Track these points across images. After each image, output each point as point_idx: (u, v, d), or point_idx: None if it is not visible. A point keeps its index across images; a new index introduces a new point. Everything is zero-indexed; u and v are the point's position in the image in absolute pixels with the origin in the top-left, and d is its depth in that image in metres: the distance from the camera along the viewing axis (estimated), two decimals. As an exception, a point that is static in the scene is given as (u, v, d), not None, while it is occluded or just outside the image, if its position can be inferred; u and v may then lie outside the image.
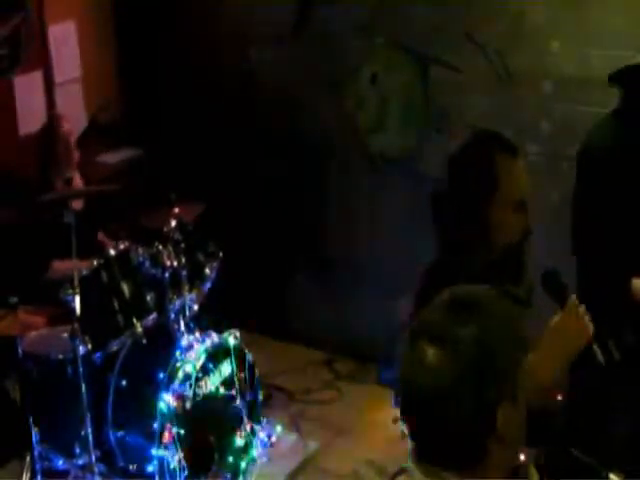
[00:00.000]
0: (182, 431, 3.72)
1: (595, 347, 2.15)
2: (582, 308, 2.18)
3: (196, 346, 3.90)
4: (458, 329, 1.46)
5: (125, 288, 3.85)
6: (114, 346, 3.83)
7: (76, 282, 3.59)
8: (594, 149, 3.12)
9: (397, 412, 2.64)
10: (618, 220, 2.96)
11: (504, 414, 1.46)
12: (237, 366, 4.04)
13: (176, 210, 4.10)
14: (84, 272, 3.72)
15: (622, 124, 3.09)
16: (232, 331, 4.08)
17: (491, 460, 1.48)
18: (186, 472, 3.74)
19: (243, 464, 4.01)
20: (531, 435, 1.66)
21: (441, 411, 1.46)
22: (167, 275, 3.94)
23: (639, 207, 2.98)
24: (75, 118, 4.75)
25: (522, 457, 1.61)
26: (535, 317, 2.14)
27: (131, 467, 3.86)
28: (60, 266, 4.00)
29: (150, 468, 3.74)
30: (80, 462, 3.78)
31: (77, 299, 3.57)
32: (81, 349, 3.64)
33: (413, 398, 1.51)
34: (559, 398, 2.17)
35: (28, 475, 3.66)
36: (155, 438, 3.70)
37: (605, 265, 2.97)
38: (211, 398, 3.90)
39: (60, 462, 3.85)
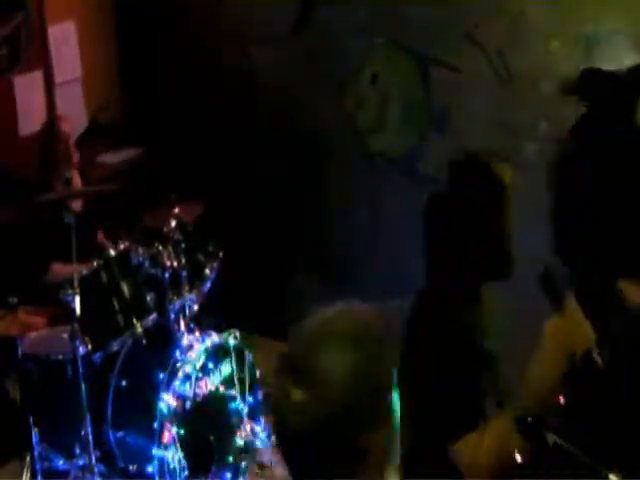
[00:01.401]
0: (182, 431, 3.72)
1: (595, 352, 2.12)
2: (580, 312, 2.15)
3: (196, 346, 3.91)
4: (323, 365, 1.44)
5: (125, 288, 3.85)
6: (114, 346, 3.83)
7: (76, 282, 3.59)
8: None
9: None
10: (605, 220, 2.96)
11: (371, 440, 1.42)
12: (237, 366, 4.04)
13: (176, 210, 4.10)
14: (84, 272, 3.72)
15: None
16: (232, 331, 4.08)
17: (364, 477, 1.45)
18: (186, 472, 3.74)
19: (243, 464, 4.01)
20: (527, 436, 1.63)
21: (312, 444, 1.45)
22: (167, 275, 3.94)
23: (623, 207, 2.98)
24: (75, 118, 4.75)
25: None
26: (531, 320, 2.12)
27: (131, 467, 3.85)
28: (60, 269, 4.00)
29: (150, 468, 3.75)
30: (80, 462, 3.78)
31: (77, 299, 3.57)
32: (81, 349, 3.64)
33: (286, 433, 1.50)
34: (561, 401, 2.14)
35: (28, 475, 3.66)
36: (155, 438, 3.70)
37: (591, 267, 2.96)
38: (211, 398, 3.90)
39: (60, 462, 3.85)
